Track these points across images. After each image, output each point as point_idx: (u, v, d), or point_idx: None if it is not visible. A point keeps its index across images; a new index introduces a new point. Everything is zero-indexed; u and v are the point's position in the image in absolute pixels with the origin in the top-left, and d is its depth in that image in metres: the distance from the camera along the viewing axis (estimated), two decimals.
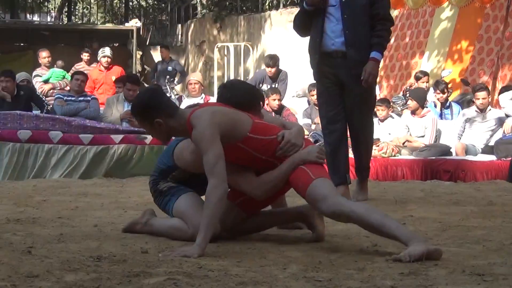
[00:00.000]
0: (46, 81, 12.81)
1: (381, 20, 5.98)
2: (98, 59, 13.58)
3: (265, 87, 11.61)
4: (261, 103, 4.51)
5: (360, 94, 5.99)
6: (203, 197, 4.11)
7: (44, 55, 13.41)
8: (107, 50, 13.51)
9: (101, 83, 13.16)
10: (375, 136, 6.68)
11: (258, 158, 4.08)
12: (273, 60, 11.89)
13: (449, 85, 11.45)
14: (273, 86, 11.50)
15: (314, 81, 10.68)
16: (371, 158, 6.61)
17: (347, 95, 6.02)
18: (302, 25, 6.16)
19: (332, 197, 3.88)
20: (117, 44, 20.03)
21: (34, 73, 13.21)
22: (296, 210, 4.40)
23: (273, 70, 11.85)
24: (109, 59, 13.31)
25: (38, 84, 12.67)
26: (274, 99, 10.63)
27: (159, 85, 10.85)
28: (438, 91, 10.93)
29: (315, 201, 3.91)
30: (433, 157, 9.47)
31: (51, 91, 12.46)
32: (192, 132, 3.97)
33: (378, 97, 9.55)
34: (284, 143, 4.05)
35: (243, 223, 4.28)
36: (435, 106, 11.09)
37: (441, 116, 10.92)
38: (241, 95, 4.29)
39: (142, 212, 4.57)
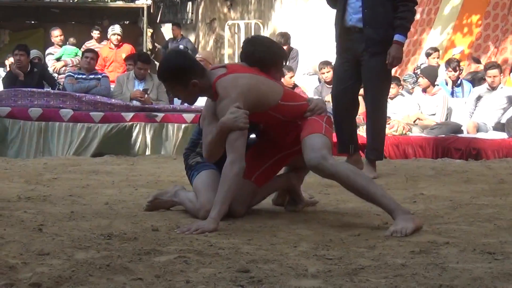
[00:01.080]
0: (58, 59, 12.82)
1: (403, 1, 6.02)
2: (108, 37, 13.57)
3: None
4: (283, 62, 4.59)
5: (374, 70, 6.07)
6: None
7: (56, 34, 13.42)
8: (116, 28, 13.49)
9: (111, 61, 13.15)
10: None
11: (285, 121, 4.22)
12: (284, 38, 11.84)
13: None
14: (284, 64, 11.45)
15: (325, 59, 10.85)
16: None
17: (362, 70, 6.11)
18: None
19: (323, 152, 3.98)
20: (127, 22, 19.96)
21: (46, 52, 13.24)
22: (286, 177, 4.51)
23: (284, 48, 11.78)
24: (119, 37, 13.29)
25: (50, 62, 12.68)
26: (291, 77, 10.61)
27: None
28: (450, 69, 10.88)
29: (307, 148, 4.03)
30: (444, 135, 9.44)
31: (63, 68, 12.46)
32: (217, 102, 4.03)
33: None
34: (314, 105, 4.25)
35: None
36: (446, 84, 11.03)
37: (452, 94, 10.86)
38: (264, 51, 4.35)
39: (174, 184, 4.74)
